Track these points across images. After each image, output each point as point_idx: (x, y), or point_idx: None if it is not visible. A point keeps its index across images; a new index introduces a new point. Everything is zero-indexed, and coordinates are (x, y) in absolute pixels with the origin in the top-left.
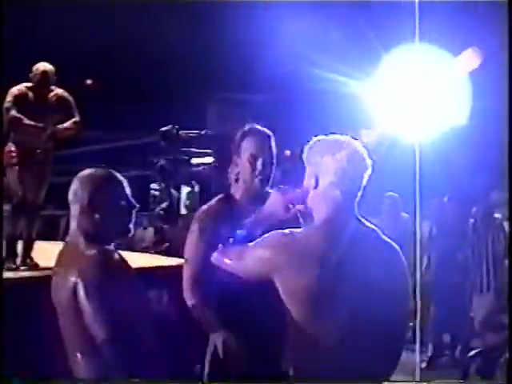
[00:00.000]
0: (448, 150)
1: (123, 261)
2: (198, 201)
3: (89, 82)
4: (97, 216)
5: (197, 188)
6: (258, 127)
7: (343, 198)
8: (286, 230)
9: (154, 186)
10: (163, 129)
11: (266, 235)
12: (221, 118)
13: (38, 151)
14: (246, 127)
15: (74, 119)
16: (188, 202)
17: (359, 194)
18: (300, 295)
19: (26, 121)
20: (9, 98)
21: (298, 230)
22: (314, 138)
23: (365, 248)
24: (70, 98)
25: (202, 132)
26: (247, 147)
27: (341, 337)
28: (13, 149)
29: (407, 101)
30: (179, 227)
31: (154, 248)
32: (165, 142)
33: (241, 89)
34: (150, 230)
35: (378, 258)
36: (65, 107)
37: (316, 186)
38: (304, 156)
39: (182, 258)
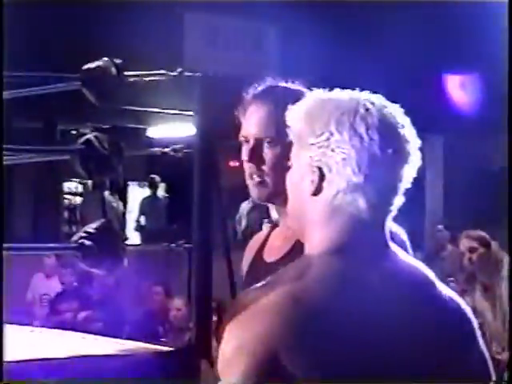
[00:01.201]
0: None
1: None
2: (163, 214)
3: None
4: None
5: (161, 190)
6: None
7: (371, 212)
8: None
9: (70, 185)
10: (90, 65)
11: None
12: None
13: None
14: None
15: None
16: (143, 219)
17: (395, 202)
18: None
19: None
20: None
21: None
22: (310, 95)
23: (407, 301)
24: None
25: (173, 73)
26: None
27: None
28: None
29: None
30: (125, 273)
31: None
32: (92, 91)
33: None
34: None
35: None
36: None
37: (318, 189)
38: (294, 125)
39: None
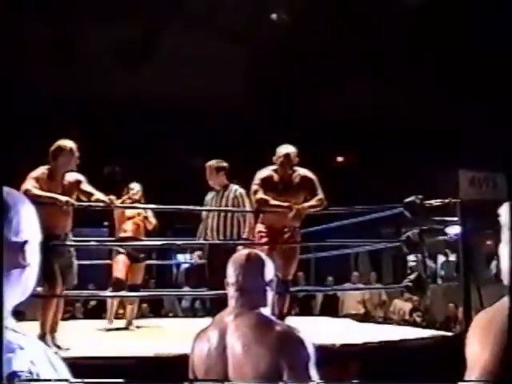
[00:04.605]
0: None
1: None
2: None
3: (340, 159)
4: None
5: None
6: None
7: None
8: None
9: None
10: (406, 200)
11: None
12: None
13: (286, 229)
14: None
15: (317, 196)
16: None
17: None
18: None
19: (272, 201)
20: (256, 180)
21: None
22: None
23: None
24: (313, 177)
25: (446, 200)
26: None
27: None
28: (262, 229)
29: None
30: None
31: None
32: (409, 212)
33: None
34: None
35: None
36: (308, 186)
37: None
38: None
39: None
